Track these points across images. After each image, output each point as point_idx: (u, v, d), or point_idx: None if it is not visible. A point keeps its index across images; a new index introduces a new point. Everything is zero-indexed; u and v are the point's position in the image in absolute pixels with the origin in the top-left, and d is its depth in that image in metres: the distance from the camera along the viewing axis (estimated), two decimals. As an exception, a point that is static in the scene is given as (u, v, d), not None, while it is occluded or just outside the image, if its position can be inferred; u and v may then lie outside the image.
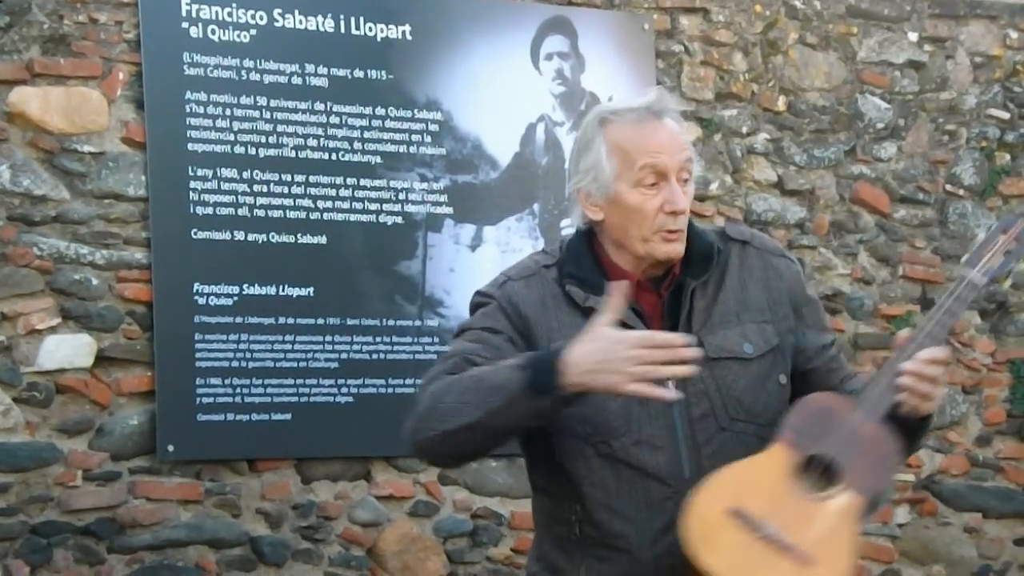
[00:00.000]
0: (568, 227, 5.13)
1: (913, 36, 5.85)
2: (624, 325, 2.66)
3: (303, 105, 4.89)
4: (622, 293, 2.62)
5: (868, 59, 5.78)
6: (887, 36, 5.81)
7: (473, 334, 2.78)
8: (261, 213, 4.81)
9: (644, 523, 2.72)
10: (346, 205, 4.93)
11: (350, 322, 4.90)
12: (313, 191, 4.89)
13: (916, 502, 5.69)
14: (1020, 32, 5.99)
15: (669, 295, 2.78)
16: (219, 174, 4.77)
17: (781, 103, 5.62)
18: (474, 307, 2.84)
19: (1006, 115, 5.96)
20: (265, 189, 4.82)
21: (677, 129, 2.78)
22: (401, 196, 5.01)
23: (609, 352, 2.58)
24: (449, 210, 5.07)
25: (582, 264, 2.79)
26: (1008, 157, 5.97)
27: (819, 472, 2.64)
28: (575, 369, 2.60)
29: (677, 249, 2.76)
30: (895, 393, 2.68)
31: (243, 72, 4.82)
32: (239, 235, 4.78)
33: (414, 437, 2.75)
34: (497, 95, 5.16)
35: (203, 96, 4.76)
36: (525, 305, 2.77)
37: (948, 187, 5.87)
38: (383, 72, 5.01)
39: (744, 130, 5.55)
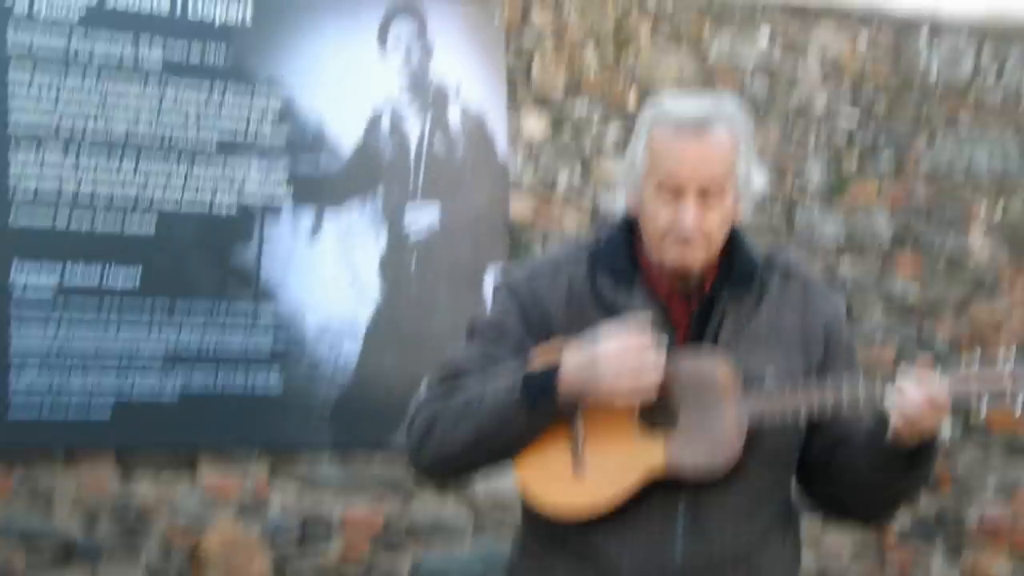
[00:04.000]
0: (414, 220, 5.10)
1: (765, 36, 5.81)
2: (653, 330, 2.64)
3: (135, 85, 4.68)
4: (648, 320, 2.62)
5: (720, 58, 5.72)
6: (738, 34, 5.75)
7: (478, 339, 2.77)
8: (86, 196, 4.60)
9: (630, 536, 2.68)
10: (178, 189, 4.73)
11: (179, 310, 4.71)
12: (143, 174, 4.69)
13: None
14: (870, 35, 5.99)
15: (701, 307, 2.73)
16: (42, 153, 4.54)
17: (632, 99, 5.54)
18: (495, 292, 2.83)
19: (855, 118, 5.95)
20: (91, 170, 4.61)
21: (717, 141, 2.68)
22: (237, 182, 4.82)
23: (597, 363, 2.59)
24: (288, 197, 4.90)
25: (618, 256, 2.75)
26: (855, 162, 5.95)
27: (664, 415, 2.65)
28: (569, 378, 2.61)
29: (684, 261, 2.69)
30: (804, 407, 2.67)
31: (72, 48, 4.61)
32: (62, 218, 4.57)
33: (414, 460, 2.78)
34: (342, 79, 5.01)
35: (27, 72, 4.54)
36: (548, 299, 2.74)
37: (796, 190, 5.84)
38: (221, 51, 4.82)
39: (594, 126, 5.46)
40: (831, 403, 2.66)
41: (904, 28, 6.04)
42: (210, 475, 4.77)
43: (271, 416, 4.83)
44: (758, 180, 2.76)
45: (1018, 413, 2.67)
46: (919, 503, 5.92)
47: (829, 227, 5.88)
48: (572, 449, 2.64)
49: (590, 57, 5.48)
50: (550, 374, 2.63)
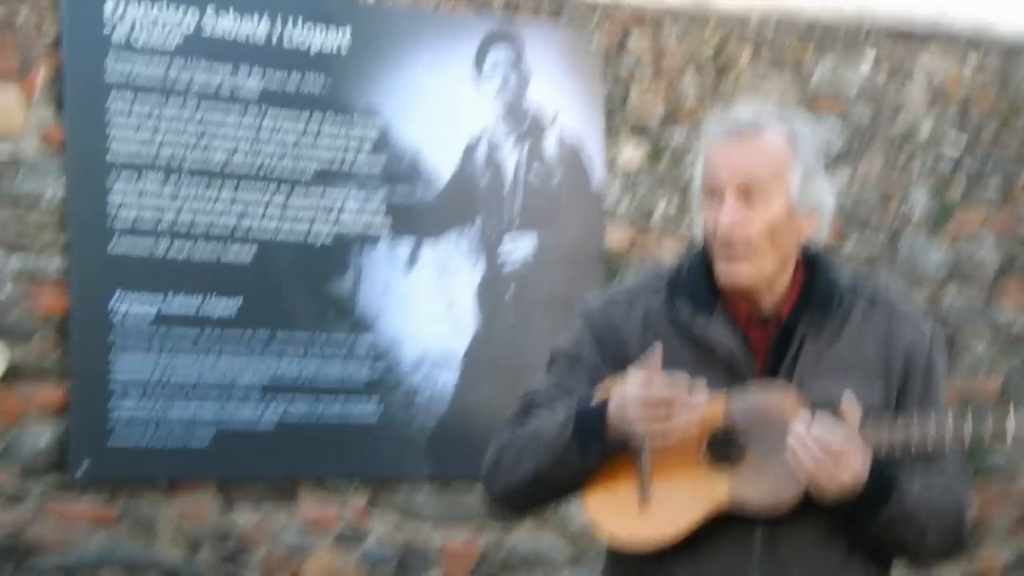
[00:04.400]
0: (510, 249, 5.08)
1: (869, 60, 5.73)
2: (732, 359, 2.63)
3: (233, 114, 4.71)
4: (658, 357, 2.56)
5: (822, 83, 5.66)
6: (842, 59, 5.68)
7: (555, 369, 2.77)
8: (185, 223, 4.63)
9: (704, 568, 2.63)
10: (276, 219, 4.74)
11: (278, 340, 4.71)
12: (241, 203, 4.70)
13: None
14: (977, 59, 5.90)
15: (780, 334, 2.67)
16: (142, 182, 4.58)
17: (731, 126, 5.48)
18: (573, 321, 2.81)
19: (961, 145, 5.85)
20: (190, 199, 4.63)
21: (761, 146, 2.63)
22: (335, 211, 4.83)
23: (626, 407, 2.56)
24: (385, 226, 4.89)
25: (697, 282, 2.70)
26: (961, 188, 5.85)
27: (731, 450, 2.61)
28: (613, 417, 2.59)
29: (733, 278, 2.64)
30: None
31: (170, 77, 4.64)
32: (162, 246, 4.59)
33: (486, 489, 2.80)
34: (438, 108, 5.01)
35: (127, 100, 4.58)
36: (624, 326, 2.71)
37: (900, 218, 5.75)
38: (319, 80, 4.84)
39: (692, 153, 5.40)
40: (909, 439, 2.57)
41: (1012, 52, 5.94)
42: (309, 505, 4.76)
43: (368, 446, 4.81)
44: (827, 195, 2.68)
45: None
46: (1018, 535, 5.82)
47: (934, 255, 5.78)
48: (639, 482, 2.62)
49: (688, 84, 5.43)
50: (599, 411, 2.59)
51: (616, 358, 2.68)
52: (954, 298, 5.80)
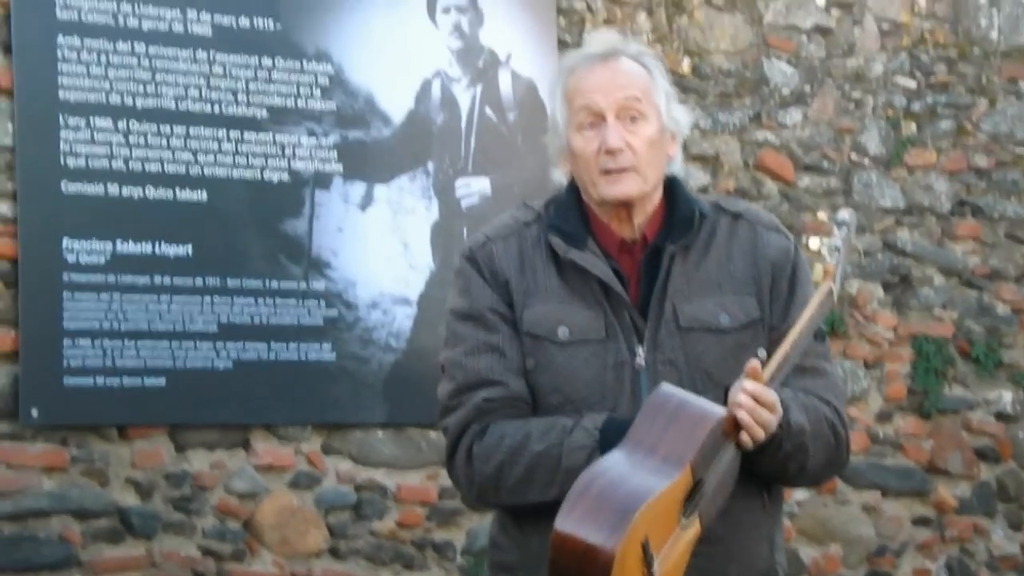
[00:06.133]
0: (465, 189, 5.06)
1: (820, 0, 5.73)
2: (602, 285, 2.69)
3: (184, 53, 4.66)
4: None
5: (775, 23, 5.65)
6: (794, -1, 5.69)
7: (469, 333, 2.73)
8: (137, 166, 4.60)
9: None
10: (229, 160, 4.72)
11: (231, 283, 4.69)
12: (194, 144, 4.67)
13: (814, 479, 5.58)
14: (928, -1, 5.91)
15: (647, 258, 2.73)
16: (92, 124, 4.54)
17: (686, 65, 5.47)
18: (458, 272, 2.79)
19: (913, 84, 5.87)
20: (142, 141, 4.60)
21: (626, 69, 2.72)
22: (288, 151, 4.80)
23: None
24: (339, 167, 4.87)
25: (568, 217, 2.75)
26: (914, 127, 5.87)
27: (696, 496, 2.60)
28: None
29: (622, 189, 2.70)
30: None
31: (120, 17, 4.58)
32: (113, 189, 4.56)
33: (479, 499, 2.78)
34: (391, 48, 4.97)
35: (76, 41, 4.52)
36: (504, 268, 2.74)
37: (853, 156, 5.76)
38: (271, 20, 4.79)
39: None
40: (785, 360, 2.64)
41: (963, -10, 5.95)
42: (263, 449, 4.75)
43: (323, 389, 4.80)
44: (683, 119, 2.78)
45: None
46: (978, 471, 5.87)
47: (887, 193, 5.80)
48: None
49: (643, 22, 5.41)
50: (624, 424, 2.59)
51: (506, 296, 2.73)
52: (908, 236, 5.83)
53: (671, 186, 2.78)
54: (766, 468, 2.68)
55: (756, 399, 2.57)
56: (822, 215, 2.74)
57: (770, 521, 2.78)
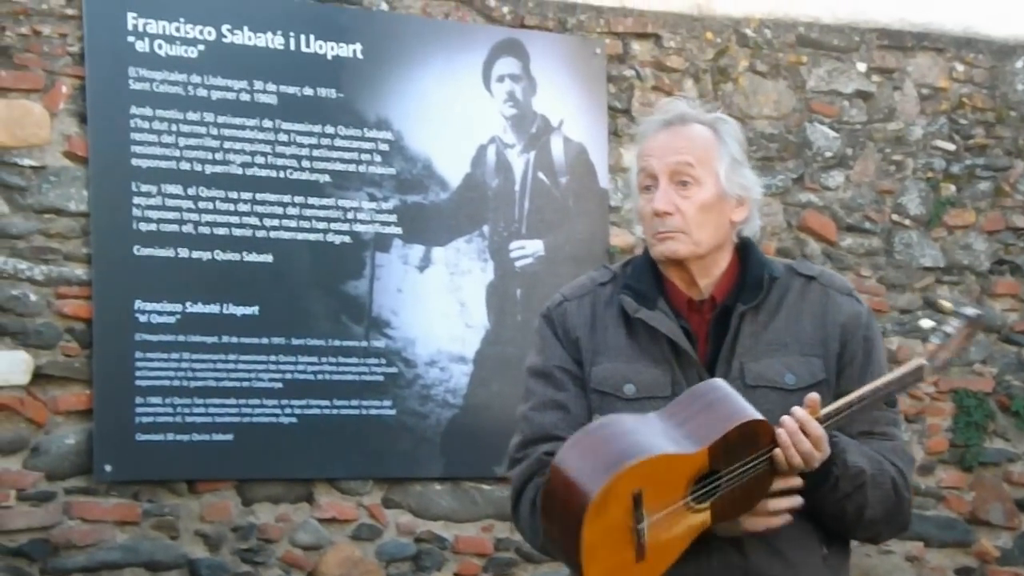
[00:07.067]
0: (519, 250, 5.20)
1: (862, 67, 5.86)
2: (671, 344, 2.74)
3: (251, 122, 4.84)
4: None
5: (817, 88, 5.79)
6: (836, 66, 5.82)
7: (539, 389, 2.80)
8: (206, 230, 4.76)
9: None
10: (293, 223, 4.88)
11: (295, 342, 4.84)
12: (260, 208, 4.84)
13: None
14: (966, 65, 6.02)
15: (716, 318, 2.78)
16: (163, 190, 4.71)
17: (730, 130, 5.59)
18: (536, 331, 2.87)
19: (951, 146, 5.98)
20: (210, 206, 4.76)
21: (688, 134, 2.78)
22: (349, 215, 4.96)
23: None
24: (398, 230, 5.03)
25: (642, 277, 2.82)
26: (953, 188, 5.98)
27: (708, 482, 2.63)
28: None
29: (669, 248, 2.76)
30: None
31: (190, 88, 4.76)
32: (183, 252, 4.72)
33: (541, 549, 2.80)
34: (448, 116, 5.13)
35: (148, 111, 4.70)
36: (576, 326, 2.81)
37: (894, 216, 5.88)
38: (333, 90, 4.97)
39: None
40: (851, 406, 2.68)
41: (1000, 53, 6.06)
42: (326, 502, 4.88)
43: (383, 444, 4.93)
44: (753, 184, 2.81)
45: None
46: (1019, 522, 5.92)
47: (927, 253, 5.90)
48: (634, 543, 2.58)
49: (689, 88, 5.55)
50: None
51: (575, 359, 2.80)
52: (947, 295, 5.91)
53: (744, 249, 2.83)
54: (824, 507, 2.71)
55: (802, 426, 2.61)
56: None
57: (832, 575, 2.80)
